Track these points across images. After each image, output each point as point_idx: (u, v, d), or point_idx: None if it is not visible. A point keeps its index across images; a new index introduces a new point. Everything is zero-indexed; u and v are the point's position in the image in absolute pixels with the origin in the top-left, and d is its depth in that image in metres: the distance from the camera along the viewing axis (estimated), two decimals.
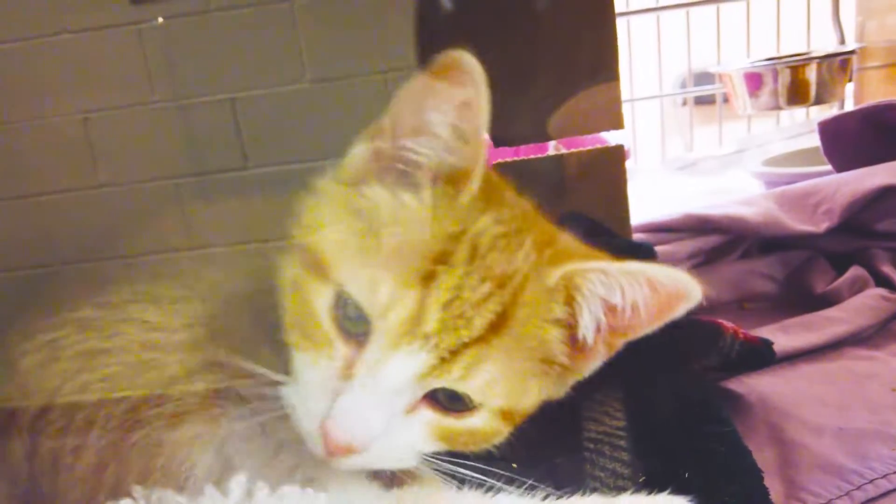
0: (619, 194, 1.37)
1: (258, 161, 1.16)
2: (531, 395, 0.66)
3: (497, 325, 0.61)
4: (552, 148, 1.50)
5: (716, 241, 1.46)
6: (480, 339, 0.60)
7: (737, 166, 2.18)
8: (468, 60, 0.58)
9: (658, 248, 1.42)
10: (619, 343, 0.69)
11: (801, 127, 2.23)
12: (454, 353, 0.60)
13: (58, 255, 1.03)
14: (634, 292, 0.63)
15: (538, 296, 0.64)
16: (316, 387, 0.61)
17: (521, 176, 1.35)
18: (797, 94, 1.97)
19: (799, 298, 1.39)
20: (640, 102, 2.47)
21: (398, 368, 0.59)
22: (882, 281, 1.34)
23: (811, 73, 1.94)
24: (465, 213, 0.64)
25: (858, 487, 0.89)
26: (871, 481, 0.90)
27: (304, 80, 1.17)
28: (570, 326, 0.67)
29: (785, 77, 1.96)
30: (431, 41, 1.14)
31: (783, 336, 1.25)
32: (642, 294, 0.63)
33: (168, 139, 1.13)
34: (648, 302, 0.64)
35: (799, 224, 1.41)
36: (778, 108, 2.02)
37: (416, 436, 0.62)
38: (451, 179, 0.64)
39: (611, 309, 0.65)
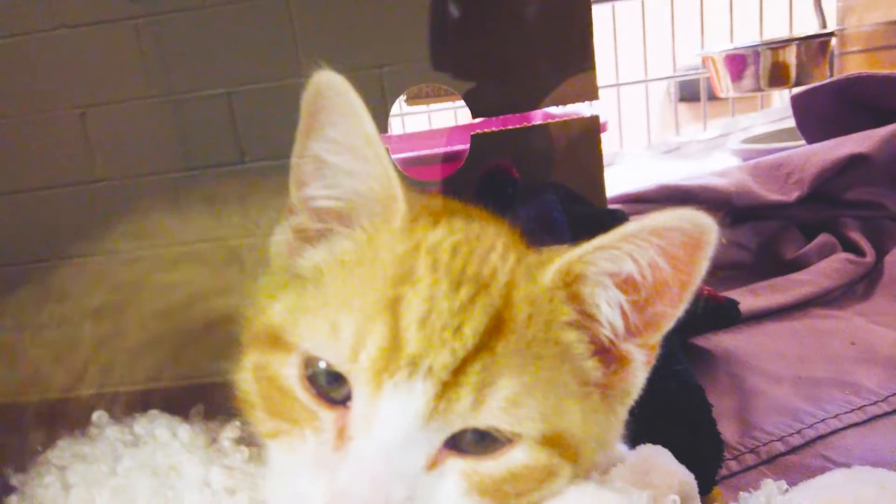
0: (595, 164, 1.39)
1: (254, 156, 1.18)
2: (574, 417, 0.54)
3: (496, 330, 0.52)
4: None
5: None
6: (482, 348, 0.51)
7: (721, 150, 2.21)
8: (326, 81, 0.57)
9: (633, 219, 1.45)
10: (653, 337, 0.58)
11: (784, 111, 2.26)
12: (456, 373, 0.50)
13: (55, 249, 1.05)
14: (646, 253, 0.53)
15: (535, 296, 0.55)
16: (307, 469, 0.51)
17: (497, 147, 1.40)
18: (778, 76, 2.00)
19: (770, 266, 1.43)
20: (627, 90, 2.51)
21: (394, 411, 0.50)
22: (850, 247, 1.38)
23: (791, 56, 1.98)
24: (408, 233, 0.57)
25: (810, 426, 0.92)
26: (823, 420, 0.93)
27: (300, 75, 1.19)
28: (589, 329, 0.58)
29: (766, 59, 2.00)
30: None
31: (751, 298, 1.28)
32: (656, 251, 0.53)
33: (164, 134, 1.12)
34: (667, 258, 0.53)
35: (770, 194, 1.45)
36: (759, 90, 2.05)
37: (450, 495, 0.51)
38: (377, 210, 0.59)
39: (628, 284, 0.55)
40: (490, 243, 0.59)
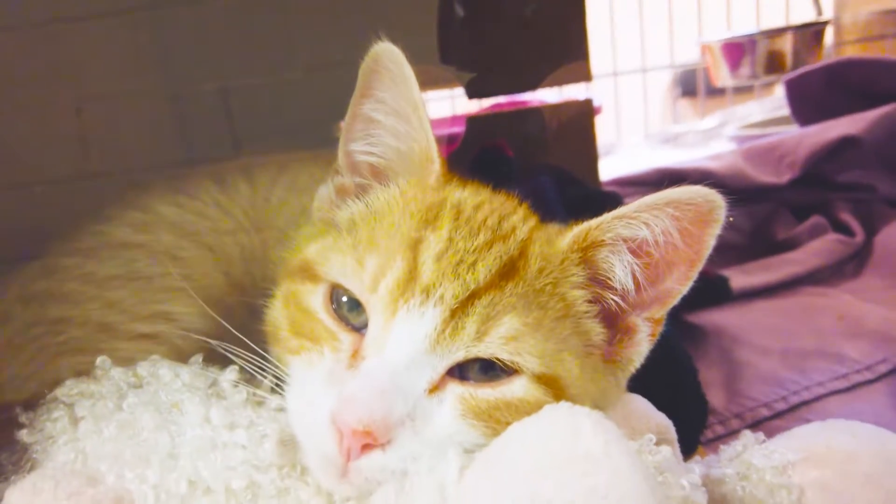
0: (589, 146, 1.42)
1: (250, 149, 1.18)
2: (572, 369, 0.58)
3: (507, 275, 0.58)
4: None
5: None
6: (492, 286, 0.56)
7: (718, 139, 2.22)
8: (384, 50, 0.61)
9: (628, 202, 1.47)
10: (659, 312, 0.63)
11: (781, 100, 2.27)
12: (465, 304, 0.55)
13: (50, 246, 1.04)
14: (661, 222, 0.57)
15: (549, 255, 0.60)
16: (322, 381, 0.56)
17: (493, 130, 1.43)
18: (774, 64, 2.02)
19: (763, 247, 1.45)
20: (627, 84, 2.53)
21: (405, 334, 0.55)
22: (841, 228, 1.40)
23: (786, 44, 2.00)
24: (439, 190, 0.63)
25: (794, 392, 0.95)
26: (807, 388, 0.96)
27: (296, 68, 1.20)
28: (598, 293, 0.61)
29: (762, 47, 2.02)
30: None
31: (743, 276, 1.31)
32: (670, 221, 0.57)
33: (161, 128, 1.14)
34: (679, 230, 0.57)
35: (763, 176, 1.47)
36: (755, 77, 2.08)
37: (447, 419, 0.54)
38: (413, 170, 0.65)
39: (642, 249, 0.59)
40: (512, 208, 0.65)
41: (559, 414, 0.48)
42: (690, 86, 2.75)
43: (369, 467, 0.52)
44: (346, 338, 0.58)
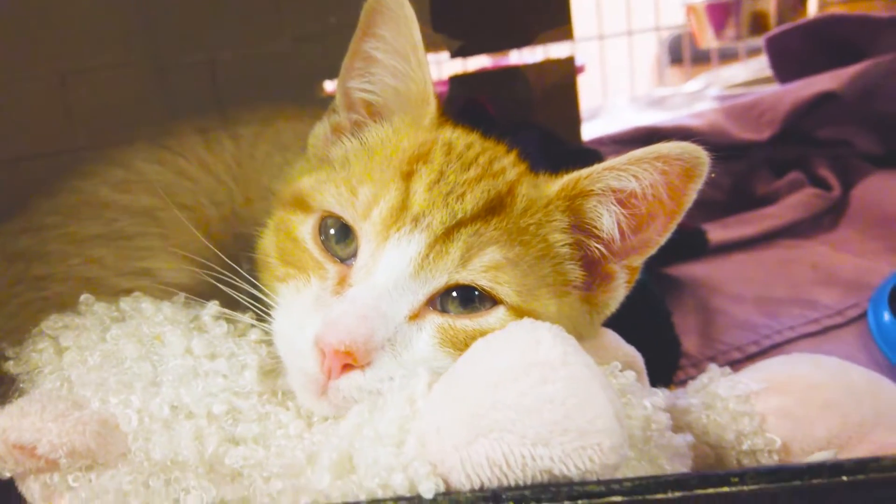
0: (571, 104, 1.43)
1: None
2: (549, 306, 0.61)
3: (494, 210, 0.60)
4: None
5: None
6: (478, 218, 0.59)
7: (703, 100, 2.23)
8: None
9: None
10: (637, 260, 0.66)
11: (765, 62, 2.28)
12: (451, 231, 0.58)
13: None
14: (649, 175, 0.59)
15: (535, 198, 0.62)
16: (308, 306, 0.58)
17: (476, 88, 1.44)
18: (758, 25, 2.03)
19: (742, 204, 1.47)
20: (613, 50, 2.53)
21: (392, 259, 0.57)
22: (818, 183, 1.42)
23: (770, 4, 2.00)
24: (432, 130, 0.66)
25: (766, 336, 0.98)
26: (779, 331, 0.99)
27: (283, 39, 1.20)
28: (581, 242, 0.64)
29: (746, 8, 2.02)
30: None
31: (721, 230, 1.33)
32: (658, 175, 0.59)
33: (147, 100, 1.11)
34: (665, 183, 0.60)
35: (744, 133, 1.48)
36: (740, 38, 2.08)
37: (425, 345, 0.57)
38: (408, 109, 0.67)
39: (629, 200, 0.62)
40: (504, 152, 0.68)
41: (521, 327, 0.50)
42: (678, 54, 2.75)
43: (348, 387, 0.54)
44: (332, 268, 0.60)
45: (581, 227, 0.64)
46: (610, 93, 2.56)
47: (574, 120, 1.44)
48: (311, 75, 1.23)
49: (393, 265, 0.57)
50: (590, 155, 1.38)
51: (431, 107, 0.66)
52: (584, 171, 0.62)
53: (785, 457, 0.60)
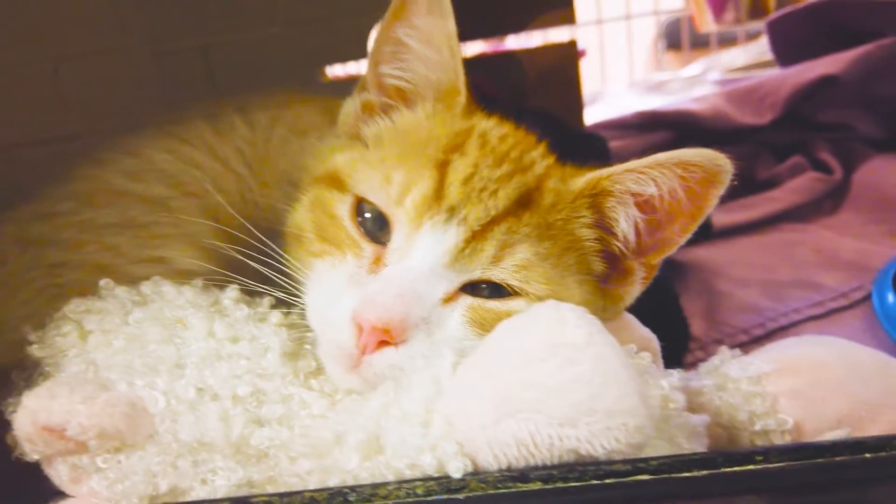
0: (573, 88, 1.44)
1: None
2: (573, 293, 0.62)
3: (524, 205, 0.61)
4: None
5: (667, 137, 1.53)
6: (510, 214, 0.60)
7: (703, 85, 2.23)
8: None
9: (612, 144, 1.49)
10: (656, 258, 0.67)
11: (765, 46, 2.28)
12: (485, 229, 0.59)
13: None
14: (669, 181, 0.60)
15: (562, 193, 0.64)
16: (344, 282, 0.59)
17: (480, 72, 1.43)
18: (758, 8, 2.03)
19: (744, 188, 1.47)
20: (612, 34, 2.52)
21: (427, 246, 0.58)
22: (820, 167, 1.43)
23: None
24: (465, 119, 0.66)
25: (772, 318, 0.99)
26: (784, 314, 1.00)
27: (277, 23, 1.19)
28: (603, 238, 0.65)
29: None
30: None
31: (724, 214, 1.34)
32: (677, 181, 0.60)
33: (141, 87, 1.09)
34: (685, 189, 0.60)
35: (745, 117, 1.49)
36: (739, 22, 2.08)
37: (456, 324, 0.59)
38: (440, 97, 0.67)
39: (648, 205, 0.63)
40: (534, 143, 0.69)
41: (545, 309, 0.51)
42: (676, 38, 2.75)
43: (381, 363, 0.56)
44: (369, 247, 0.61)
45: (602, 224, 0.66)
46: (608, 78, 2.56)
47: (576, 105, 1.44)
48: (308, 59, 1.21)
49: (428, 251, 0.59)
50: (593, 140, 1.38)
51: (462, 97, 0.67)
52: (605, 171, 0.64)
53: (797, 437, 0.61)
